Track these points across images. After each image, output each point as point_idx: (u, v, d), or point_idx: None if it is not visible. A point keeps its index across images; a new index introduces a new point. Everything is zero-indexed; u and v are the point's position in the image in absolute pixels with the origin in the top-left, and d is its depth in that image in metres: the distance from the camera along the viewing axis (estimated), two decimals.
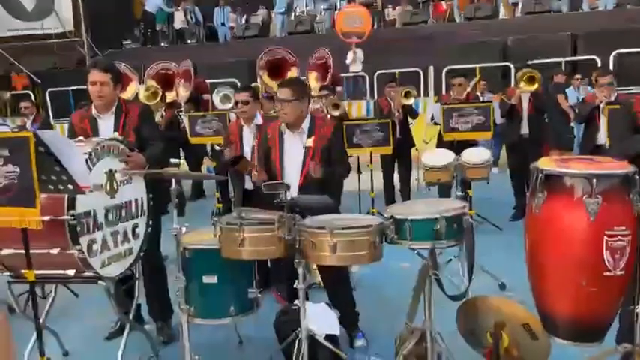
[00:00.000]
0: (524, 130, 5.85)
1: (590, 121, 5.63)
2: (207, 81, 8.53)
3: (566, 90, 8.84)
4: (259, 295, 2.89)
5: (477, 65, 9.31)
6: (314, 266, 4.03)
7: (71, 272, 2.66)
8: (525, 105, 5.85)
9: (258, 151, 3.62)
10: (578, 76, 9.08)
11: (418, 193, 6.64)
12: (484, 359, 2.67)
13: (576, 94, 8.52)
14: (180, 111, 7.20)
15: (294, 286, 2.69)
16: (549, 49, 9.91)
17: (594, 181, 2.03)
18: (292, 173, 3.27)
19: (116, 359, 2.95)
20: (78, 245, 2.56)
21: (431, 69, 10.30)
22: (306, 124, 3.29)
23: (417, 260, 2.71)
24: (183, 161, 6.68)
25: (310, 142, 3.26)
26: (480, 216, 5.44)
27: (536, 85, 5.66)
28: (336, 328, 2.94)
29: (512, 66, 9.72)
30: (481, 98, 6.69)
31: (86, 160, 2.59)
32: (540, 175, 2.16)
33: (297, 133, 3.29)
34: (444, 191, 5.50)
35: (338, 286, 3.30)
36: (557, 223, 2.10)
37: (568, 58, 10.03)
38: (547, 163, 2.20)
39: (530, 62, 7.71)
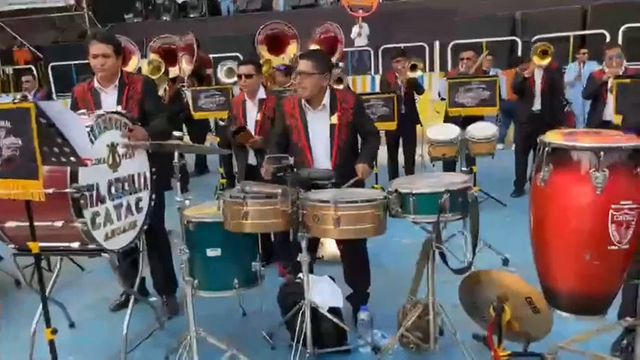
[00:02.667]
0: (537, 106, 5.75)
1: (598, 97, 5.56)
2: (210, 55, 8.44)
3: (570, 65, 8.67)
4: (263, 268, 2.91)
5: (484, 40, 9.16)
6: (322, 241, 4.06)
7: (75, 245, 2.66)
8: (538, 81, 5.74)
9: (272, 126, 3.51)
10: (583, 50, 8.85)
11: (422, 170, 6.61)
12: (486, 332, 2.69)
13: (576, 70, 8.28)
14: (183, 85, 7.14)
15: (298, 259, 2.70)
16: (559, 22, 9.71)
17: (601, 153, 2.01)
18: (321, 153, 3.16)
19: (121, 331, 2.97)
20: (81, 218, 2.56)
21: (437, 44, 10.15)
22: (327, 100, 3.15)
23: (419, 237, 2.71)
24: (186, 136, 6.66)
25: (335, 119, 3.13)
26: (483, 192, 5.42)
27: (548, 59, 5.53)
28: (339, 301, 2.96)
29: (519, 40, 9.57)
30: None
31: (88, 133, 2.57)
32: (547, 148, 2.14)
33: (319, 110, 3.16)
34: (449, 167, 5.47)
35: (355, 264, 3.27)
36: (563, 196, 2.09)
37: (576, 32, 9.84)
38: (554, 136, 2.18)
39: (538, 37, 7.59)
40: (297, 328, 2.75)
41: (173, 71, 7.32)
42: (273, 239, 4.12)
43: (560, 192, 2.10)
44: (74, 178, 2.51)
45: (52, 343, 2.43)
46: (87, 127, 2.59)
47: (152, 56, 7.40)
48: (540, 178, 2.17)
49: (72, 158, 2.21)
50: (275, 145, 3.28)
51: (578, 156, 2.08)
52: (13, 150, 2.12)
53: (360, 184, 3.07)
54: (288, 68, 6.06)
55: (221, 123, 5.70)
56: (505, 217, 4.97)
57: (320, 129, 3.17)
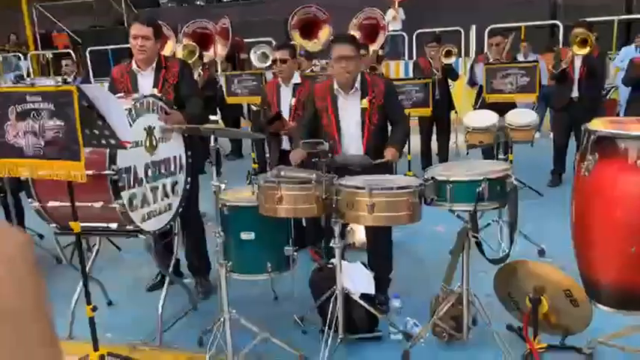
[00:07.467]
0: (575, 93, 5.52)
1: (639, 84, 5.33)
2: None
3: (624, 49, 8.30)
4: (295, 253, 2.92)
5: (523, 24, 8.88)
6: (350, 227, 4.05)
7: (114, 225, 2.73)
8: (578, 67, 5.50)
9: (303, 110, 3.54)
10: None
11: (456, 158, 6.50)
12: (521, 324, 2.64)
13: (634, 54, 7.86)
14: (217, 70, 7.18)
15: (330, 244, 2.69)
16: (602, 7, 9.33)
17: None
18: (352, 137, 3.16)
19: (156, 310, 3.05)
20: (120, 200, 2.62)
21: (473, 28, 9.89)
22: (358, 83, 3.13)
23: (451, 224, 2.66)
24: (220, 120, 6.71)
25: (366, 103, 3.11)
26: (519, 181, 5.28)
27: (587, 49, 5.29)
28: (371, 288, 2.95)
29: (561, 25, 9.24)
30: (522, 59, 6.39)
31: (126, 116, 2.61)
32: (592, 137, 2.06)
33: (351, 94, 3.14)
34: (488, 154, 5.31)
35: (379, 250, 3.28)
36: (608, 187, 2.01)
37: (621, 17, 9.44)
38: (599, 124, 2.10)
39: (581, 19, 7.30)
40: (329, 314, 2.76)
41: (208, 56, 7.37)
42: (305, 224, 4.13)
43: (606, 182, 2.02)
44: (113, 160, 2.57)
45: (92, 320, 2.50)
46: (125, 110, 2.63)
47: (186, 41, 7.46)
48: (584, 168, 2.10)
49: (112, 140, 2.24)
50: (303, 127, 3.29)
51: (626, 145, 1.99)
52: (56, 132, 2.17)
53: (389, 169, 3.04)
54: (308, 53, 6.04)
55: (254, 108, 5.72)
56: (541, 207, 4.84)
57: (351, 113, 3.16)
